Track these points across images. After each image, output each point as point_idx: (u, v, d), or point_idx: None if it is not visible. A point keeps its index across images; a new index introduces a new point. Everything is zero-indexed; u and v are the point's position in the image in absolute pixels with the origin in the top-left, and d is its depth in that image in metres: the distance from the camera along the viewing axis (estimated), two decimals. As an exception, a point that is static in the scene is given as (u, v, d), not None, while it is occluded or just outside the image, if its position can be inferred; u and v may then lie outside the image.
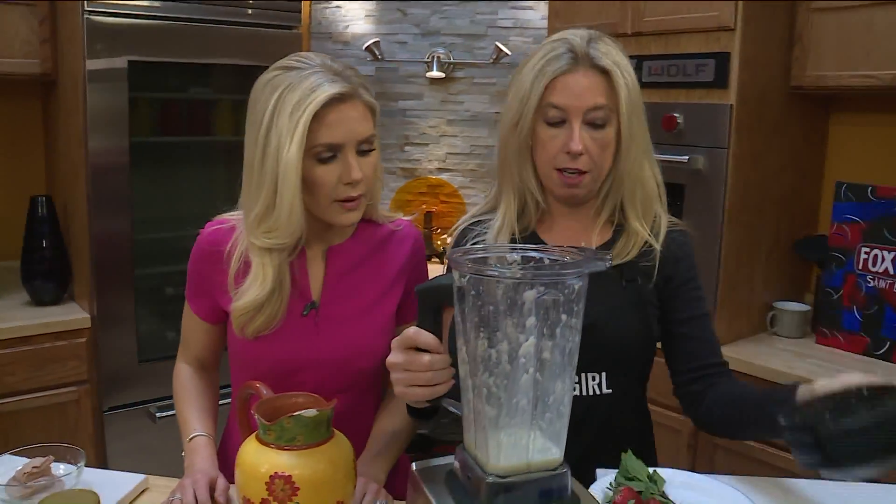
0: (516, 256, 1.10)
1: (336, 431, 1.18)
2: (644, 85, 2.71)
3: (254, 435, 1.17)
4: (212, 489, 1.35)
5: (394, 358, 1.14)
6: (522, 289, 0.97)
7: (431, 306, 1.12)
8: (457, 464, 1.07)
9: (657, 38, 2.73)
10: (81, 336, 2.78)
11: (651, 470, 1.29)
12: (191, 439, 1.47)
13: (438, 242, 3.74)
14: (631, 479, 1.26)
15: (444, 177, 3.82)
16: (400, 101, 3.79)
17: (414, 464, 1.13)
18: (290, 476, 1.09)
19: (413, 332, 1.13)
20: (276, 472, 1.10)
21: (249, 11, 3.01)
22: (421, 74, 3.76)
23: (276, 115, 1.31)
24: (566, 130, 1.39)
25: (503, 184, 1.50)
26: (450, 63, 3.72)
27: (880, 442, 1.05)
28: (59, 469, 1.40)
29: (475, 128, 3.78)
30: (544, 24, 3.31)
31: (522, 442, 1.01)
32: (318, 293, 1.47)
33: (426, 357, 1.11)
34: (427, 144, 3.83)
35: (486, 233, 1.51)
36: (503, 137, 1.47)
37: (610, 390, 1.46)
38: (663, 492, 1.24)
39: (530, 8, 3.62)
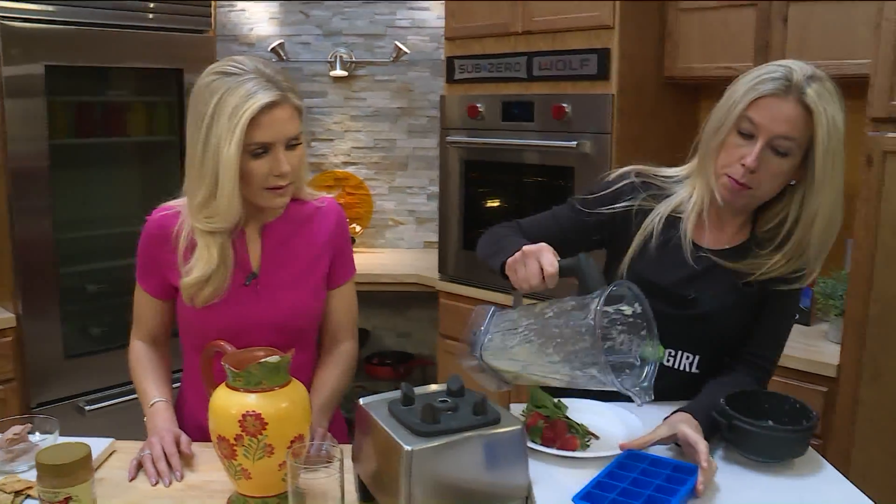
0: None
1: (293, 378, 1.39)
2: (534, 79, 3.03)
3: (223, 384, 1.36)
4: (177, 445, 1.54)
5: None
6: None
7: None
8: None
9: (545, 36, 3.02)
10: (6, 336, 2.87)
11: (556, 399, 1.54)
12: (151, 405, 1.65)
13: (348, 232, 3.94)
14: (539, 407, 1.51)
15: (350, 170, 4.02)
16: (305, 99, 3.94)
17: (361, 399, 1.34)
18: (259, 413, 1.30)
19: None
20: (247, 412, 1.30)
21: (161, 16, 3.14)
22: (324, 73, 3.95)
23: (215, 118, 1.48)
24: (750, 146, 1.49)
25: (695, 176, 1.64)
26: (352, 62, 3.93)
27: None
28: (35, 437, 1.56)
29: (377, 123, 3.99)
30: (441, 23, 3.54)
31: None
32: (257, 265, 1.67)
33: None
34: (332, 140, 4.02)
35: (662, 196, 1.67)
36: (707, 133, 1.57)
37: (698, 371, 1.69)
38: (567, 415, 1.50)
39: (426, 8, 3.86)
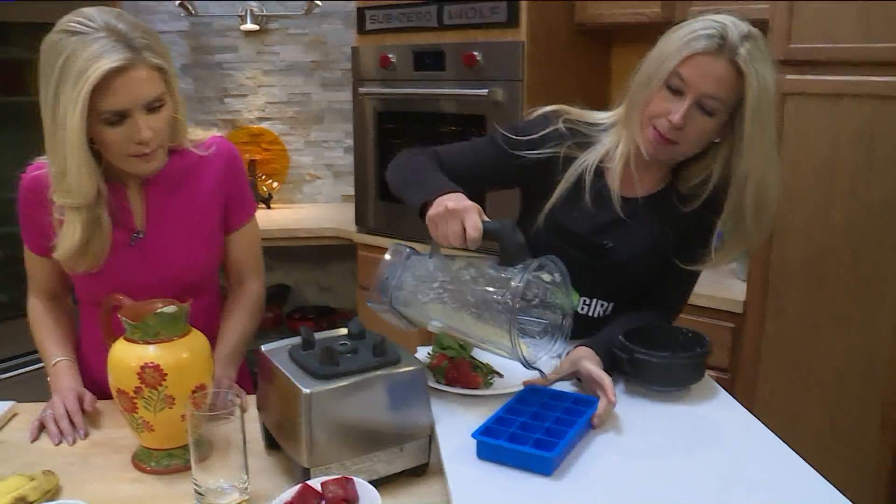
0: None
1: (192, 328, 1.38)
2: (445, 27, 3.00)
3: (121, 337, 1.34)
4: (80, 403, 1.51)
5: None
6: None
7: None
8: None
9: (454, -17, 2.99)
10: None
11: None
12: (54, 364, 1.61)
13: (264, 188, 3.90)
14: (445, 348, 1.53)
15: (265, 125, 3.96)
16: (216, 54, 3.88)
17: (263, 346, 1.34)
18: (158, 365, 1.28)
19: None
20: (145, 363, 1.28)
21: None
22: (235, 28, 3.86)
23: (61, 84, 1.35)
24: (678, 102, 1.48)
25: (621, 125, 1.63)
26: (263, 15, 3.84)
27: None
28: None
29: (292, 77, 3.93)
30: (351, -27, 3.49)
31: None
32: (142, 223, 1.60)
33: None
34: (246, 95, 3.95)
35: (587, 145, 1.65)
36: (636, 84, 1.55)
37: (611, 314, 1.72)
38: (472, 355, 1.52)
39: (336, -41, 3.79)
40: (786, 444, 1.30)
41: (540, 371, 1.32)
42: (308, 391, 1.18)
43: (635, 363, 1.46)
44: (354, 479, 1.17)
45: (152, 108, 1.43)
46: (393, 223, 3.28)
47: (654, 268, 1.68)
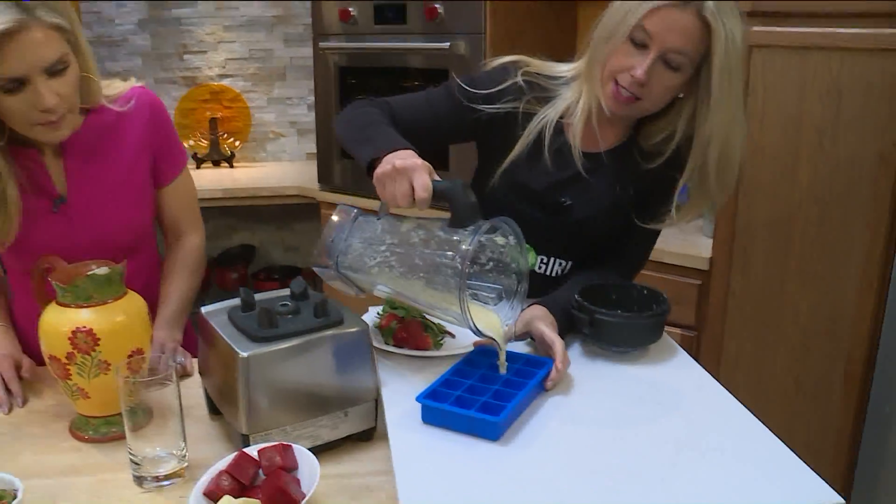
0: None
1: (129, 290, 1.31)
2: (405, -21, 2.91)
3: (53, 301, 1.28)
4: (17, 370, 1.45)
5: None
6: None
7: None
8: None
9: (415, -69, 2.90)
10: None
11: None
12: None
13: (225, 147, 3.81)
14: (395, 308, 1.47)
15: (226, 82, 3.86)
16: (173, 9, 3.76)
17: (202, 308, 1.28)
18: (90, 329, 1.22)
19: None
20: (77, 328, 1.22)
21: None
22: (193, -19, 3.75)
23: None
24: (642, 56, 1.41)
25: (582, 80, 1.55)
26: (221, -32, 3.73)
27: None
28: None
29: (252, 32, 3.82)
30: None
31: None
32: (63, 187, 1.50)
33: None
34: (205, 52, 3.84)
35: (547, 99, 1.58)
36: (597, 37, 1.48)
37: (569, 272, 1.67)
38: (423, 315, 1.47)
39: None
40: (747, 406, 1.26)
41: (493, 339, 1.27)
42: (245, 354, 1.13)
43: (593, 324, 1.42)
44: (293, 445, 1.12)
45: (54, 71, 1.32)
46: (357, 181, 3.21)
47: (613, 225, 1.63)
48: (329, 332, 1.19)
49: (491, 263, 1.34)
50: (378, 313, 1.50)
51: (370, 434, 1.27)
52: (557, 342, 1.36)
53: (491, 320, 1.28)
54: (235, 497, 1.05)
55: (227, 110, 3.84)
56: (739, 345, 2.41)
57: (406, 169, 1.27)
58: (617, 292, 1.52)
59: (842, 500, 1.02)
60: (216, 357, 1.23)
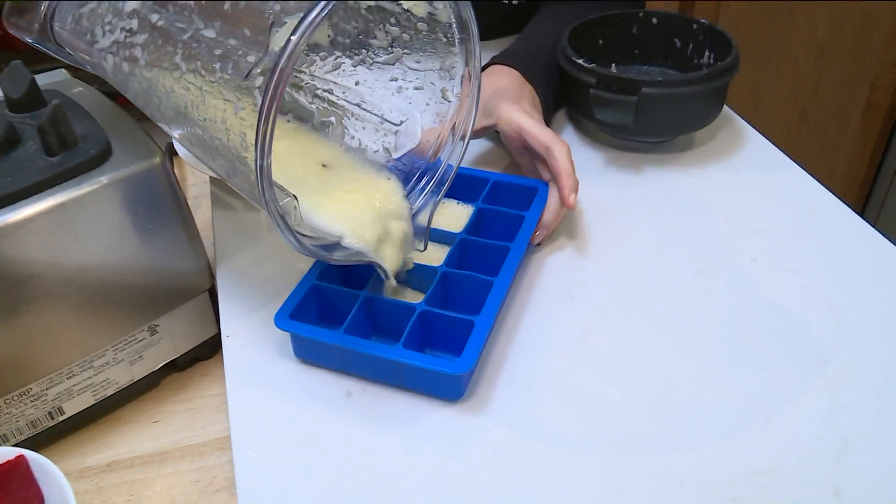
0: None
1: None
2: None
3: None
4: None
5: None
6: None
7: None
8: None
9: None
10: None
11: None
12: None
13: None
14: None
15: None
16: None
17: None
18: None
19: None
20: None
21: None
22: None
23: None
24: None
25: None
26: None
27: None
28: None
29: None
30: None
31: None
32: None
33: None
34: None
35: None
36: None
37: None
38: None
39: None
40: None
41: (382, 270, 0.60)
42: None
43: (616, 103, 0.77)
44: (27, 455, 0.51)
45: None
46: None
47: None
48: (78, 191, 0.54)
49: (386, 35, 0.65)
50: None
51: (209, 352, 0.67)
52: (558, 147, 0.68)
53: (377, 191, 0.61)
54: None
55: None
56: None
57: None
58: (641, 30, 0.88)
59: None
60: None
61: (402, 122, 0.62)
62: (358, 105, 0.62)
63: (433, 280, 0.58)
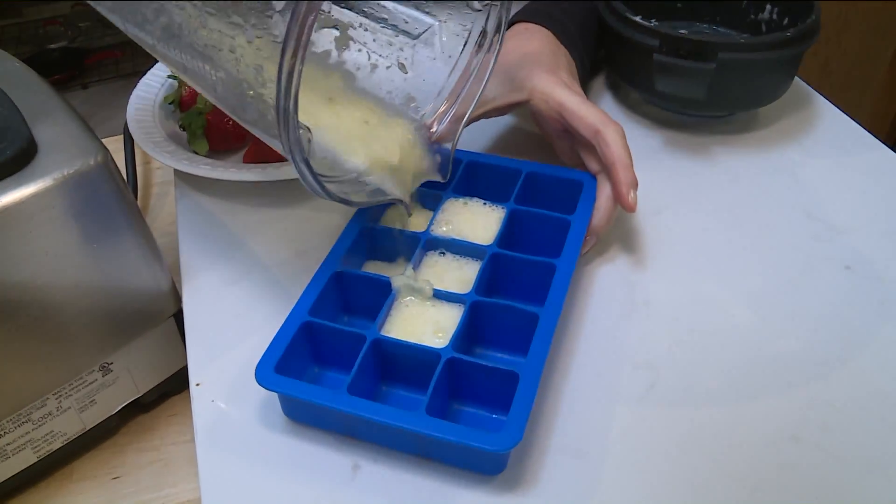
0: None
1: None
2: None
3: None
4: None
5: None
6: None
7: None
8: None
9: None
10: None
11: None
12: None
13: None
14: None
15: None
16: None
17: None
18: None
19: None
20: None
21: None
22: None
23: None
24: None
25: None
26: None
27: None
28: None
29: None
30: None
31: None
32: None
33: None
34: None
35: None
36: None
37: None
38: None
39: None
40: None
41: (401, 202, 0.49)
42: None
43: (687, 71, 0.62)
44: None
45: None
46: None
47: None
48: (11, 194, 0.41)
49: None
50: (174, 83, 0.69)
51: (179, 386, 0.55)
52: (609, 130, 0.54)
53: (389, 135, 0.50)
54: None
55: None
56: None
57: None
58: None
59: None
60: None
61: (419, 34, 0.53)
62: (366, 14, 0.55)
63: (459, 315, 0.45)
